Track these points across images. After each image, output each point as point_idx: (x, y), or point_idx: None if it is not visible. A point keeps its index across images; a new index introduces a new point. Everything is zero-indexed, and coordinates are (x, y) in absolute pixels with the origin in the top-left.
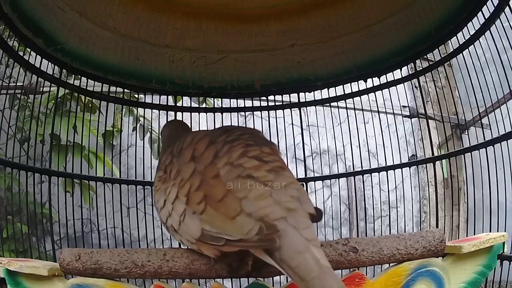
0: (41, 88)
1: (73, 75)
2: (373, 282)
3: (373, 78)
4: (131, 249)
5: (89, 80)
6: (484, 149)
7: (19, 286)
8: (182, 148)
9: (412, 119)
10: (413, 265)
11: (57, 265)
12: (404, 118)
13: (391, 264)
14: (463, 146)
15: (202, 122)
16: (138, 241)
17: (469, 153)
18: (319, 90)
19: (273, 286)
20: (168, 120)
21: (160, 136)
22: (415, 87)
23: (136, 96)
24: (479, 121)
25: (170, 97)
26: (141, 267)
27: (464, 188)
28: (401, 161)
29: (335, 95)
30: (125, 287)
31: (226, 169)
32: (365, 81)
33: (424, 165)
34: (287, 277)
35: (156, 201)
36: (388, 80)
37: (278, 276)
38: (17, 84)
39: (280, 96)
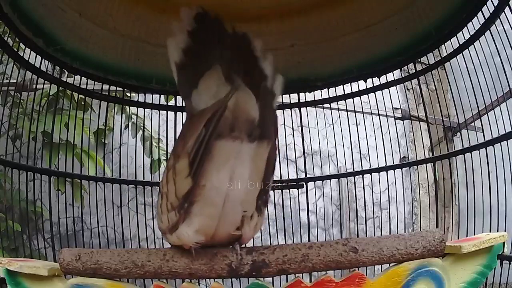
0: (35, 86)
1: (68, 74)
2: (373, 282)
3: (372, 79)
4: (131, 249)
5: (88, 79)
6: (484, 149)
7: (19, 286)
8: None
9: (404, 121)
10: (413, 265)
11: (57, 265)
12: (395, 119)
13: (391, 264)
14: (454, 149)
15: None
16: (130, 240)
17: (463, 155)
18: (319, 90)
19: (273, 286)
20: (167, 119)
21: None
22: (407, 89)
23: (128, 95)
24: (471, 124)
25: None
26: (141, 267)
27: (455, 190)
28: (393, 163)
29: (335, 95)
30: (125, 287)
31: None
32: (365, 81)
33: (415, 167)
34: (287, 277)
35: (158, 210)
36: (388, 81)
37: (278, 276)
38: (10, 81)
39: (280, 96)
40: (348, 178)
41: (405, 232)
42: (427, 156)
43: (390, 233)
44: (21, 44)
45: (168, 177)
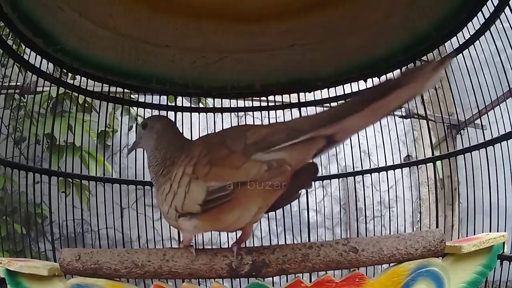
0: (36, 88)
1: (70, 75)
2: (373, 282)
3: (372, 79)
4: (131, 249)
5: (88, 80)
6: (484, 149)
7: (19, 286)
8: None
9: (406, 120)
10: (413, 265)
11: (57, 265)
12: (398, 118)
13: (391, 264)
14: (455, 148)
15: (202, 122)
16: (131, 241)
17: (467, 154)
18: (319, 90)
19: (273, 286)
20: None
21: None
22: None
23: (131, 95)
24: (473, 122)
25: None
26: (141, 267)
27: (458, 189)
28: (396, 162)
29: (335, 95)
30: (125, 287)
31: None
32: (365, 81)
33: (419, 165)
34: (287, 277)
35: (160, 194)
36: None
37: (278, 276)
38: (10, 84)
39: (280, 96)
40: (353, 177)
41: (409, 230)
42: (430, 155)
43: (393, 232)
44: (22, 45)
45: (181, 182)
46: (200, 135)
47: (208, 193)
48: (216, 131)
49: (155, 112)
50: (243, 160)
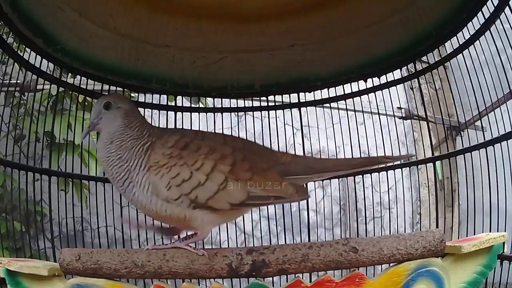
0: (37, 86)
1: (70, 74)
2: (373, 282)
3: (373, 79)
4: (131, 249)
5: (88, 79)
6: (484, 149)
7: (19, 286)
8: (204, 136)
9: (406, 121)
10: (413, 265)
11: (57, 265)
12: (398, 119)
13: (391, 264)
14: (455, 149)
15: (202, 122)
16: (130, 240)
17: (465, 154)
18: (319, 90)
19: (273, 286)
20: (167, 119)
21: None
22: (410, 88)
23: (131, 95)
24: (473, 124)
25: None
26: (141, 267)
27: (458, 190)
28: (396, 162)
29: (335, 95)
30: (125, 287)
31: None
32: (365, 81)
33: (419, 166)
34: (287, 277)
35: (172, 177)
36: (388, 81)
37: (278, 276)
38: (11, 81)
39: (280, 96)
40: (351, 178)
41: (408, 231)
42: (433, 155)
43: (392, 232)
44: (23, 45)
45: (212, 176)
46: None
47: (249, 197)
48: (217, 131)
49: (155, 112)
50: (280, 179)
